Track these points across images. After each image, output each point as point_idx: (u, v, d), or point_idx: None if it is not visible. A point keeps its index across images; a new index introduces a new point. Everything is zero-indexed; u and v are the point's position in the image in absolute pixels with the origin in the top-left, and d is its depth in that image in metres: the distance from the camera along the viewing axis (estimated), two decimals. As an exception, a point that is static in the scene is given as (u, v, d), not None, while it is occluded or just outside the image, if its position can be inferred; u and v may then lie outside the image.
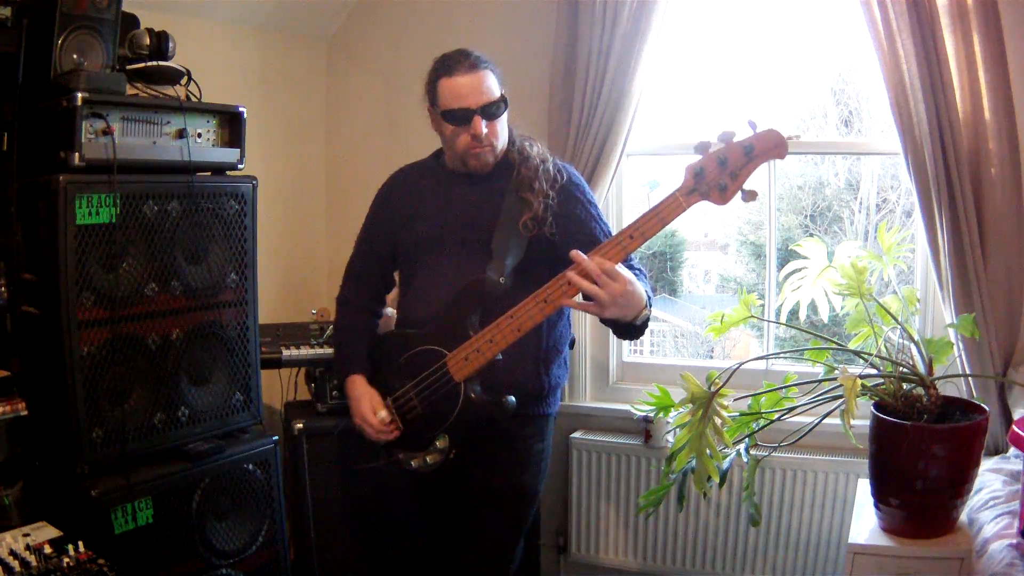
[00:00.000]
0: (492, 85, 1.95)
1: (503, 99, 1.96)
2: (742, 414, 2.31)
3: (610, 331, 1.97)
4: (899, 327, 2.19)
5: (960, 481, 1.93)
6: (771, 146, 1.70)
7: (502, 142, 2.00)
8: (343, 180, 3.46)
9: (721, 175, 1.70)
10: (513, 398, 1.89)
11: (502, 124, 1.99)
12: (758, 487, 2.62)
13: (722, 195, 1.71)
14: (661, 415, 2.51)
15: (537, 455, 2.10)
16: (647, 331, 1.94)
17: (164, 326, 2.22)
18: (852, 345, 2.30)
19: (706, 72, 3.01)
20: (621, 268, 1.72)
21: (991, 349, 2.32)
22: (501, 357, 1.87)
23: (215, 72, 2.65)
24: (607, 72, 2.71)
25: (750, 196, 1.71)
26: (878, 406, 2.02)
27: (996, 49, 2.28)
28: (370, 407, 2.01)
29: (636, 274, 1.87)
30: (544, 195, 1.96)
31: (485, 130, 1.93)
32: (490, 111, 1.94)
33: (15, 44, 2.07)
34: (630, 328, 1.86)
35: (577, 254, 1.71)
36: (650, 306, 1.83)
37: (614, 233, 1.86)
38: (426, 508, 2.22)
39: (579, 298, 1.80)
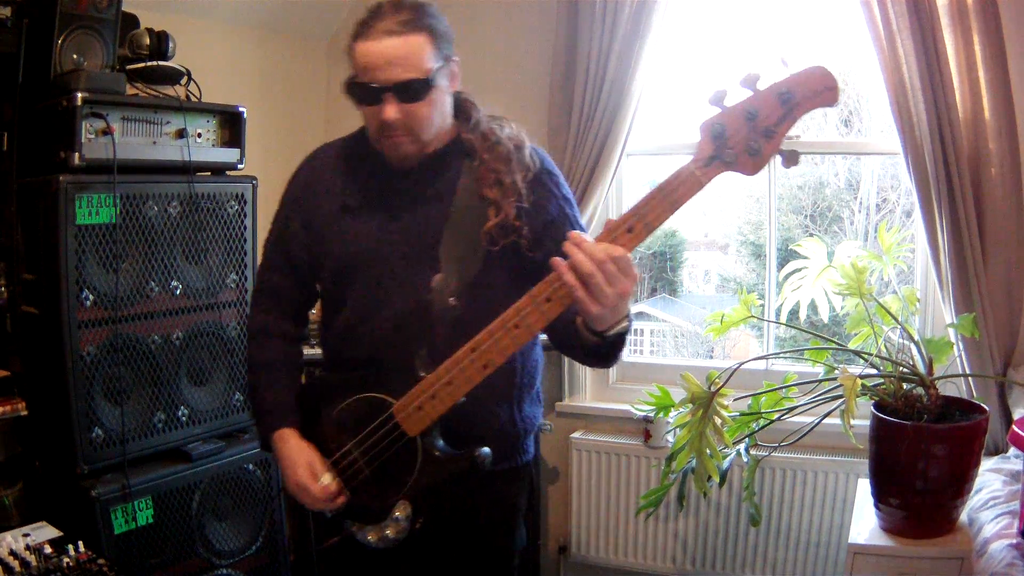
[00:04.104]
0: (417, 55, 1.42)
1: (432, 75, 1.43)
2: (742, 414, 2.31)
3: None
4: (899, 327, 2.19)
5: (960, 481, 1.93)
6: (817, 89, 1.22)
7: (430, 129, 1.49)
8: (343, 180, 3.45)
9: (752, 135, 1.22)
10: (487, 449, 1.45)
11: (430, 107, 1.46)
12: (758, 487, 2.62)
13: (755, 161, 1.23)
14: (661, 415, 2.51)
15: (522, 511, 1.72)
16: (624, 347, 1.42)
17: (164, 326, 2.22)
18: (852, 345, 2.30)
19: (706, 72, 3.01)
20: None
21: (991, 349, 2.32)
22: (465, 399, 1.41)
23: (215, 72, 2.65)
24: (607, 72, 2.71)
25: (791, 160, 1.26)
26: (878, 406, 2.02)
27: (996, 49, 2.28)
28: (308, 471, 1.52)
29: None
30: (516, 194, 1.48)
31: (395, 115, 1.43)
32: (406, 91, 1.42)
33: (15, 44, 2.07)
34: (597, 347, 1.36)
35: (577, 235, 1.26)
36: (630, 319, 1.36)
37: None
38: None
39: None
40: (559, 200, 1.56)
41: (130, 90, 2.32)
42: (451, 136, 1.55)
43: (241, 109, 2.42)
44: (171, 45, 2.43)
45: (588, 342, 1.36)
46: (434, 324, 1.44)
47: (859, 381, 1.95)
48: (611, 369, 3.05)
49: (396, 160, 1.52)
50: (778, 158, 1.26)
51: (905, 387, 2.04)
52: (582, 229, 1.53)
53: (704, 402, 2.04)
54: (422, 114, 1.46)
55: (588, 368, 3.04)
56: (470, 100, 1.58)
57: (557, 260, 1.25)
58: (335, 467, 1.54)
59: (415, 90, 1.43)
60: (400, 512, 1.47)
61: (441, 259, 1.47)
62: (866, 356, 2.14)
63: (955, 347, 2.31)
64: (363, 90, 1.44)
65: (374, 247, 1.53)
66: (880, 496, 2.01)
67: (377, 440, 1.48)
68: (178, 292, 2.25)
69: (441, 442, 1.47)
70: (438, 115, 1.49)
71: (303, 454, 1.55)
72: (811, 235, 3.05)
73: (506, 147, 1.51)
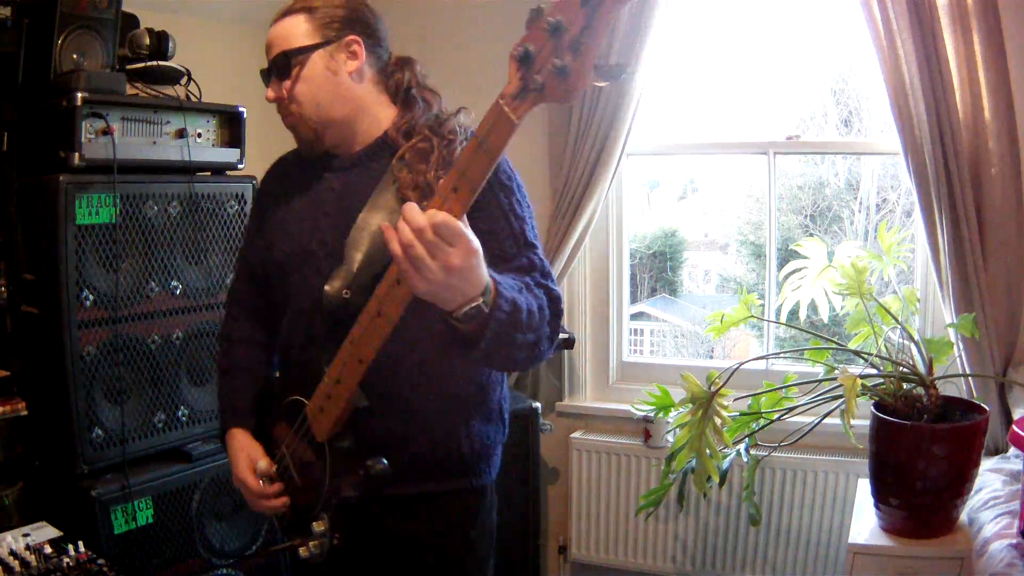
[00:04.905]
0: (290, 33, 1.42)
1: (300, 50, 1.41)
2: (742, 414, 2.31)
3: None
4: (899, 327, 2.19)
5: (960, 481, 1.93)
6: None
7: (314, 108, 1.45)
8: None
9: (558, 52, 0.98)
10: (384, 460, 1.34)
11: (306, 84, 1.44)
12: (758, 487, 2.62)
13: (565, 83, 0.98)
14: (661, 415, 2.51)
15: (474, 541, 1.52)
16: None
17: (164, 326, 2.22)
18: (852, 345, 2.30)
19: (706, 72, 3.01)
20: (471, 236, 1.08)
21: (991, 349, 2.32)
22: (367, 403, 1.33)
23: (215, 72, 2.65)
24: (607, 72, 2.70)
25: (609, 75, 1.01)
26: (878, 406, 2.02)
27: (996, 49, 2.28)
28: (248, 467, 1.50)
29: (523, 284, 1.29)
30: (445, 163, 1.35)
31: (272, 94, 1.47)
32: (276, 68, 1.44)
33: (15, 44, 2.07)
34: (456, 336, 1.18)
35: (407, 204, 1.07)
36: (499, 309, 1.16)
37: (538, 244, 1.42)
38: None
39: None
40: (509, 190, 1.43)
41: (130, 90, 2.32)
42: (387, 126, 1.49)
43: (241, 109, 2.42)
44: (171, 45, 2.43)
45: (448, 333, 1.19)
46: (330, 320, 1.36)
47: (859, 381, 1.95)
48: (611, 369, 3.05)
49: (301, 148, 1.53)
50: (594, 74, 1.00)
51: (905, 387, 2.04)
52: (527, 229, 1.42)
53: (704, 402, 2.04)
54: (297, 91, 1.44)
55: (588, 368, 3.05)
56: (422, 93, 1.50)
57: (385, 225, 1.10)
58: (278, 469, 1.51)
59: (280, 65, 1.43)
60: (318, 525, 1.39)
61: (345, 256, 1.38)
62: (866, 356, 2.14)
63: (955, 347, 2.31)
64: (262, 78, 1.49)
65: (296, 248, 1.50)
66: (880, 496, 2.01)
67: (298, 445, 1.44)
68: (178, 292, 2.25)
69: (347, 448, 1.37)
70: (322, 93, 1.44)
71: (244, 450, 1.53)
72: (811, 235, 3.06)
73: (428, 144, 1.39)
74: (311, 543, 1.39)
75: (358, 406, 1.33)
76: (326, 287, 1.36)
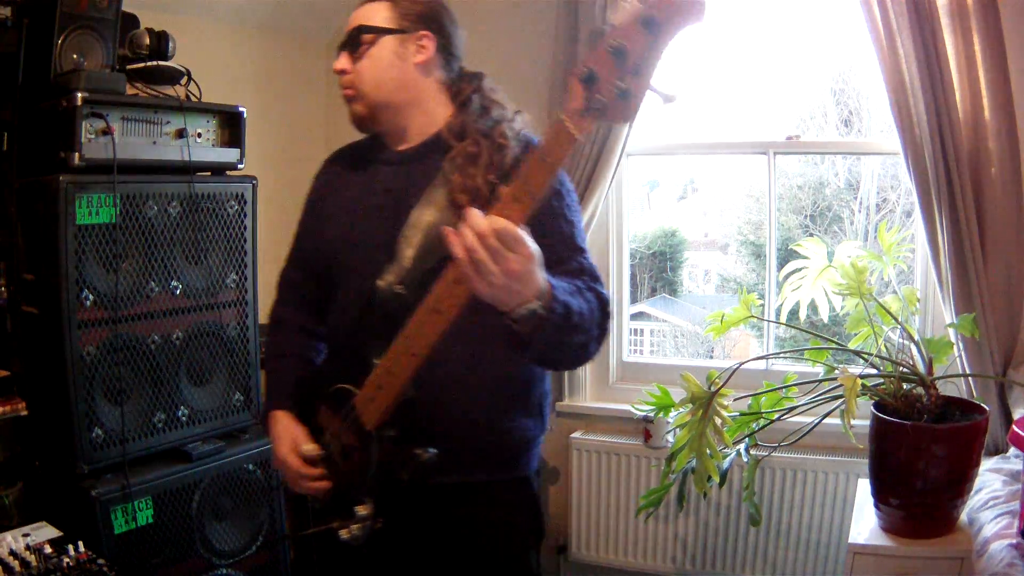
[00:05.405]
0: (370, 15, 1.52)
1: (369, 28, 1.50)
2: (742, 414, 2.31)
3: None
4: (899, 327, 2.19)
5: (960, 481, 1.93)
6: (680, 6, 1.07)
7: (373, 89, 1.52)
8: (343, 180, 3.46)
9: (621, 74, 1.06)
10: (433, 449, 1.39)
11: (371, 63, 1.51)
12: (758, 487, 2.62)
13: (625, 106, 1.07)
14: (661, 415, 2.51)
15: (518, 531, 1.58)
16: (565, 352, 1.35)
17: (164, 326, 2.22)
18: (852, 345, 2.30)
19: (706, 72, 3.01)
20: (530, 243, 1.17)
21: (991, 349, 2.32)
22: (414, 394, 1.37)
23: (215, 72, 2.65)
24: (607, 72, 2.70)
25: (666, 97, 1.09)
26: (878, 406, 2.02)
27: (996, 49, 2.28)
28: (291, 446, 1.53)
29: (576, 288, 1.35)
30: (496, 168, 1.42)
31: (339, 65, 1.53)
32: (348, 42, 1.52)
33: (15, 44, 2.07)
34: (511, 335, 1.26)
35: (470, 209, 1.16)
36: (553, 311, 1.24)
37: (587, 249, 1.49)
38: None
39: None
40: (559, 193, 1.49)
41: (130, 90, 2.32)
42: (441, 126, 1.54)
43: (241, 109, 2.42)
44: (171, 45, 2.43)
45: (505, 332, 1.26)
46: (383, 314, 1.40)
47: (859, 381, 1.95)
48: (611, 369, 3.05)
49: (354, 123, 1.58)
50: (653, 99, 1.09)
51: (905, 387, 2.04)
52: (579, 231, 1.50)
53: (704, 402, 2.04)
54: (361, 66, 1.51)
55: (588, 368, 3.04)
56: (483, 101, 1.55)
57: (448, 229, 1.16)
58: (322, 454, 1.53)
59: (353, 39, 1.51)
60: (362, 509, 1.43)
61: (399, 249, 1.43)
62: (866, 356, 2.14)
63: (955, 347, 2.31)
64: (336, 53, 1.54)
65: (347, 239, 1.56)
66: (880, 496, 2.01)
67: (345, 432, 1.47)
68: (178, 292, 2.25)
69: (395, 437, 1.41)
70: (384, 75, 1.51)
71: (288, 433, 1.56)
72: (811, 235, 3.06)
73: (478, 148, 1.45)
74: (353, 526, 1.43)
75: (406, 396, 1.37)
76: (379, 281, 1.41)
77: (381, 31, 1.50)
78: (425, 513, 1.49)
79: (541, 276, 1.22)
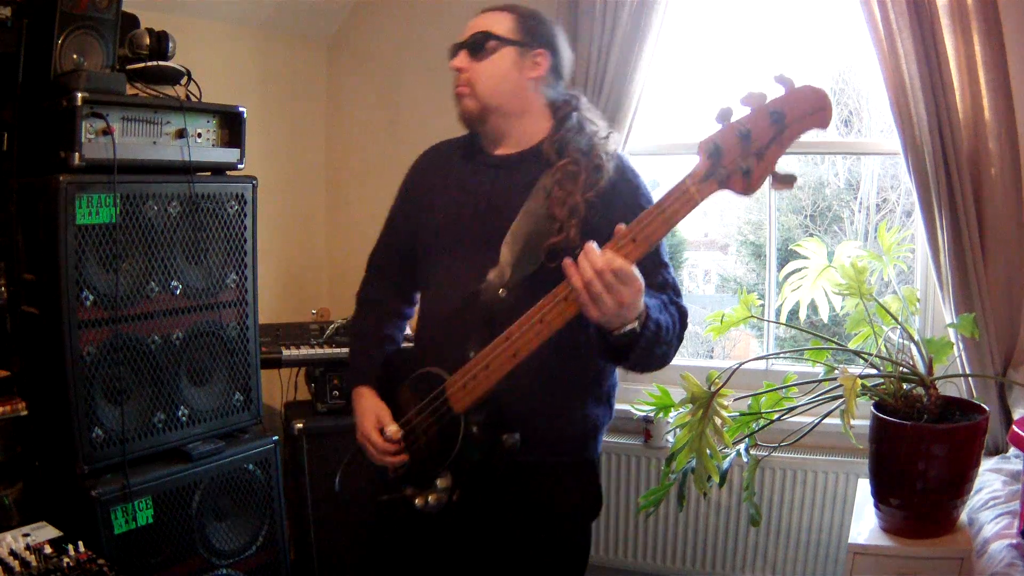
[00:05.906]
0: (493, 23, 1.65)
1: (494, 36, 1.63)
2: (742, 414, 2.31)
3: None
4: (899, 327, 2.19)
5: (960, 481, 1.93)
6: (807, 110, 1.22)
7: (488, 91, 1.64)
8: (343, 180, 3.46)
9: (745, 154, 1.24)
10: (517, 434, 1.54)
11: (491, 67, 1.63)
12: (758, 487, 2.62)
13: (746, 181, 1.25)
14: (661, 415, 2.51)
15: (579, 509, 1.73)
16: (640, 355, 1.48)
17: (164, 326, 2.22)
18: (852, 345, 2.31)
19: (706, 72, 3.01)
20: (639, 278, 1.35)
21: (991, 349, 2.32)
22: (506, 385, 1.51)
23: (215, 72, 2.65)
24: (607, 72, 2.71)
25: (783, 183, 1.25)
26: (878, 406, 2.02)
27: (996, 49, 2.28)
28: (375, 423, 1.68)
29: (662, 303, 1.54)
30: (592, 187, 1.58)
31: (459, 63, 1.64)
32: (471, 44, 1.64)
33: (15, 44, 2.07)
34: (608, 348, 1.47)
35: (588, 244, 1.34)
36: (647, 328, 1.43)
37: (670, 264, 1.66)
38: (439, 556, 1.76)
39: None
40: (642, 193, 1.70)
41: (130, 90, 2.32)
42: (541, 138, 1.67)
43: (241, 109, 2.42)
44: (171, 45, 2.43)
45: (601, 344, 1.47)
46: (484, 312, 1.55)
47: (859, 381, 1.95)
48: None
49: (461, 117, 1.68)
50: (769, 179, 1.26)
51: (905, 387, 2.04)
52: (662, 259, 1.65)
53: (704, 402, 2.04)
54: (481, 68, 1.63)
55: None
56: (580, 118, 1.67)
57: (568, 262, 1.34)
58: (402, 428, 1.67)
59: (478, 42, 1.63)
60: (441, 482, 1.59)
61: (501, 251, 1.58)
62: (866, 356, 2.14)
63: (955, 347, 2.31)
64: (450, 53, 1.67)
65: (445, 234, 1.70)
66: (880, 496, 2.01)
67: (432, 411, 1.61)
68: (178, 292, 2.25)
69: (482, 421, 1.56)
70: (502, 82, 1.63)
71: (372, 408, 1.71)
72: (811, 235, 3.06)
73: (578, 167, 1.59)
74: (430, 495, 1.59)
75: (499, 388, 1.51)
76: (482, 285, 1.57)
77: (505, 41, 1.63)
78: (498, 488, 1.61)
79: (643, 302, 1.40)
